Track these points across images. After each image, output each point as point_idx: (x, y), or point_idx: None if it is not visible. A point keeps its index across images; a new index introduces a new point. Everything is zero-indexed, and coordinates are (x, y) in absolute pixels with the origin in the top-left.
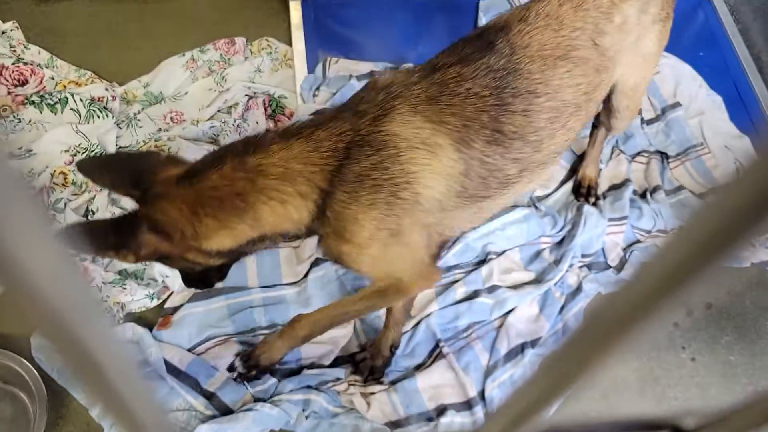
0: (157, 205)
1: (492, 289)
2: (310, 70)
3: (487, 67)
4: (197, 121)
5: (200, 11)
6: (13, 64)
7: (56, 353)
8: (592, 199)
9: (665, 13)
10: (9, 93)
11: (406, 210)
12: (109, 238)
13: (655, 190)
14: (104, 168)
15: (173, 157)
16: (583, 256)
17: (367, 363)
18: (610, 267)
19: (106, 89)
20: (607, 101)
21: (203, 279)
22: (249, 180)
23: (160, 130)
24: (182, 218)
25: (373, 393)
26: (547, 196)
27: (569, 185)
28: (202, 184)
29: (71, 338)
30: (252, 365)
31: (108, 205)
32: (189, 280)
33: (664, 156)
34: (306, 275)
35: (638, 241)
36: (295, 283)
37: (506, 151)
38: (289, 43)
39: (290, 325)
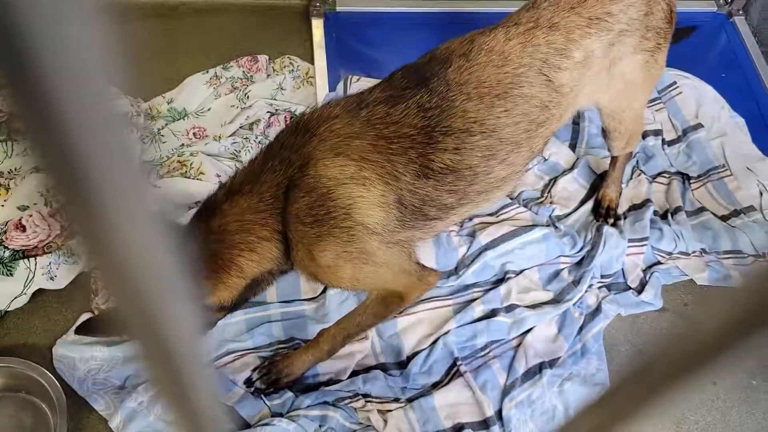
0: None
1: (510, 308)
2: (332, 88)
3: (418, 105)
4: (219, 137)
5: (224, 29)
6: None
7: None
8: (611, 220)
9: (653, 43)
10: None
11: (357, 236)
12: None
13: (676, 211)
14: None
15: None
16: (602, 276)
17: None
18: (630, 288)
19: (131, 105)
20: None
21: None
22: (219, 241)
23: (183, 145)
24: None
25: (389, 410)
26: (567, 215)
27: (589, 205)
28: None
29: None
30: (273, 379)
31: None
32: None
33: (685, 177)
34: (324, 291)
35: (659, 263)
36: (313, 298)
37: (438, 184)
38: (311, 61)
39: (315, 339)
